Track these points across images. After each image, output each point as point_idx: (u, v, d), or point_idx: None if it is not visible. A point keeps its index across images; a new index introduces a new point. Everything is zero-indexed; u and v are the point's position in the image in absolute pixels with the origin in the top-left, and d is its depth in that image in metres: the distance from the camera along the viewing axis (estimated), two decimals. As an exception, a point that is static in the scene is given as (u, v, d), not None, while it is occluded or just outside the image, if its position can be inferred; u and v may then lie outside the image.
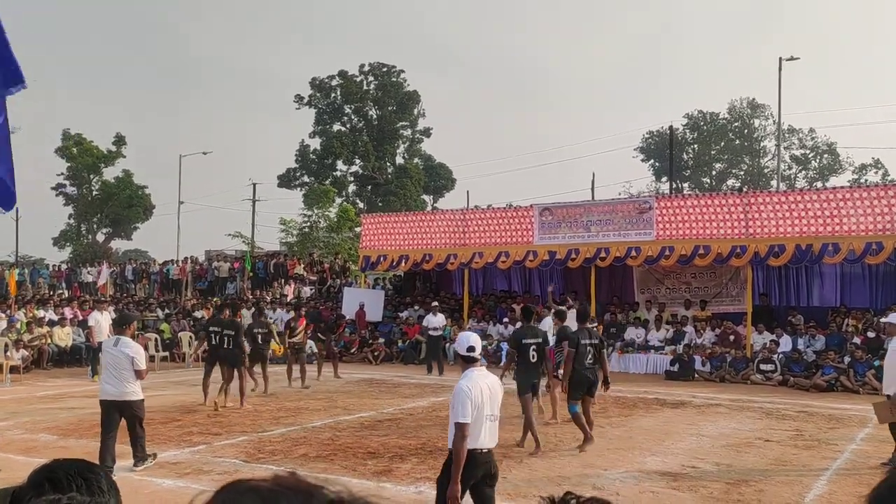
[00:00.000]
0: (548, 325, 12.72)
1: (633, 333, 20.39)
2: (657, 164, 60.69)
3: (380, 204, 53.15)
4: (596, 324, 11.67)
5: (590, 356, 9.76)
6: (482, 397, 5.07)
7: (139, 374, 8.20)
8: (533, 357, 9.98)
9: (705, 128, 61.41)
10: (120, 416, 8.22)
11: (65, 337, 20.48)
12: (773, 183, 50.33)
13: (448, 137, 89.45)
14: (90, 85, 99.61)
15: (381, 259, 24.46)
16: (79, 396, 14.67)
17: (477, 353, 5.30)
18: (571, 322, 11.00)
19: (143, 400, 8.39)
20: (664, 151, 54.21)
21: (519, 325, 10.78)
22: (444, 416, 12.28)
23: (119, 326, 8.49)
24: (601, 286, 21.87)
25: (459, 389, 5.11)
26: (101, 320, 17.34)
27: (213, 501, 0.66)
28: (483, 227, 22.65)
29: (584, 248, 20.75)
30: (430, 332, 19.04)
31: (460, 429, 5.02)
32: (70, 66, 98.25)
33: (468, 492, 5.14)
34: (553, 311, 12.16)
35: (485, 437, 5.13)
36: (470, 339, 5.34)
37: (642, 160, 62.23)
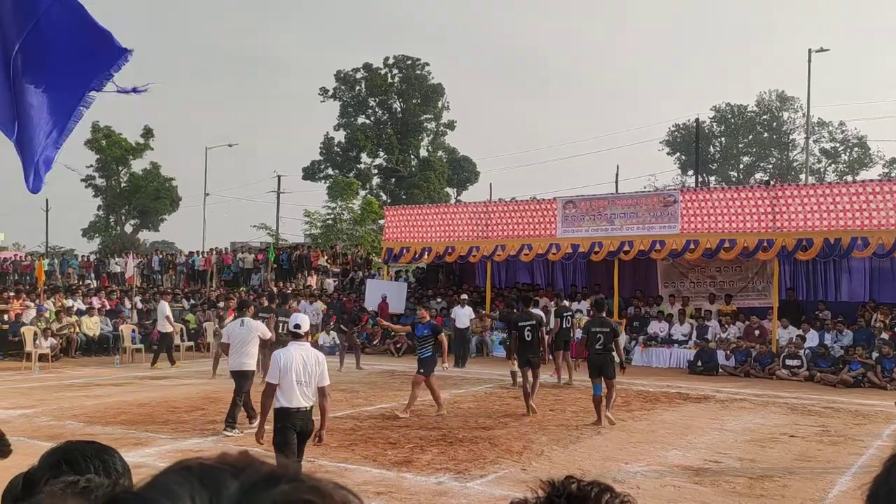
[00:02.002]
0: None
1: (656, 327, 20.26)
2: (683, 157, 60.09)
3: (403, 196, 53.21)
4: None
5: (599, 342, 10.76)
6: (291, 365, 6.47)
7: (266, 342, 10.61)
8: (528, 336, 11.80)
9: (733, 121, 60.66)
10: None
11: (93, 326, 20.80)
12: (802, 177, 49.65)
13: (472, 131, 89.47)
14: (116, 75, 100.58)
15: (405, 251, 24.50)
16: (105, 385, 14.91)
17: (301, 331, 6.67)
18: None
19: (253, 372, 10.39)
20: (690, 145, 53.66)
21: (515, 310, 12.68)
22: (465, 408, 12.31)
23: (241, 310, 10.86)
24: (624, 280, 21.72)
25: (273, 356, 6.71)
26: (163, 309, 18.07)
27: (149, 484, 0.64)
28: (506, 220, 22.59)
29: (607, 241, 20.62)
30: (458, 325, 19.05)
31: (266, 386, 6.62)
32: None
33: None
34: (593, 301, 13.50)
35: (296, 398, 6.49)
36: (297, 318, 6.81)
37: (668, 153, 61.68)
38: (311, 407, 6.57)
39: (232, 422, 9.99)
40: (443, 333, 11.70)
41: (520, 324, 12.03)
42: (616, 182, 46.63)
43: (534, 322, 11.98)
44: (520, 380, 14.22)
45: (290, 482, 0.65)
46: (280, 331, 14.33)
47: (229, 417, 10.03)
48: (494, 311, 22.15)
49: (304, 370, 6.52)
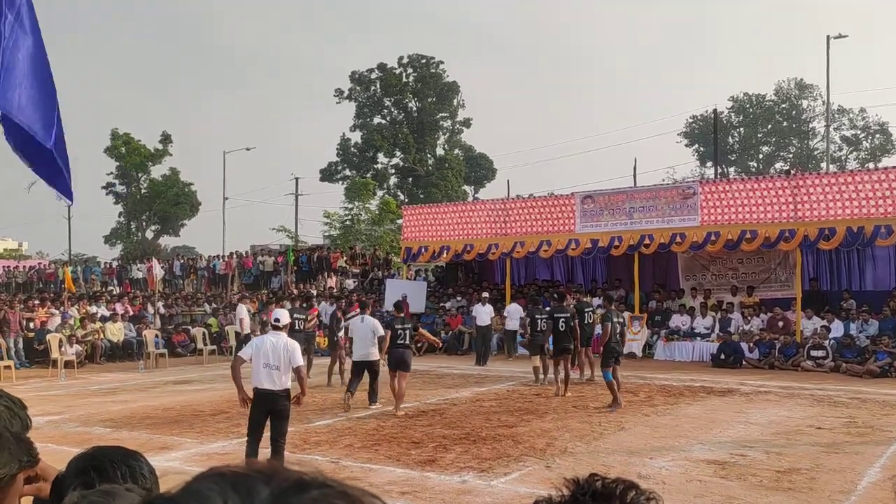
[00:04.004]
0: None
1: (678, 321, 20.15)
2: (701, 148, 59.62)
3: (421, 196, 53.26)
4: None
5: (618, 332, 12.03)
6: (262, 349, 7.44)
7: (380, 341, 11.96)
8: (562, 327, 13.58)
9: (751, 110, 60.10)
10: (365, 371, 12.02)
11: (117, 332, 21.03)
12: (823, 165, 49.10)
13: (488, 127, 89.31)
14: (134, 82, 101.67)
15: (423, 250, 24.53)
16: (131, 390, 15.07)
17: (280, 324, 7.65)
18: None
19: (379, 360, 12.04)
20: (708, 136, 53.30)
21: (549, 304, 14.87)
22: (487, 406, 12.32)
23: (363, 308, 12.83)
24: (645, 274, 21.62)
25: (252, 340, 8.13)
26: (244, 313, 18.70)
27: (183, 490, 0.66)
28: (524, 217, 22.56)
29: (627, 235, 20.54)
30: (479, 323, 19.06)
31: (235, 358, 7.95)
32: (113, 63, 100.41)
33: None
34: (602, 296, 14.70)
35: (262, 379, 7.40)
36: (278, 313, 7.87)
37: (686, 145, 61.22)
38: (281, 391, 7.39)
39: (374, 397, 12.18)
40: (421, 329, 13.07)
41: (555, 315, 13.74)
42: (634, 175, 46.38)
43: (568, 315, 13.66)
44: (542, 376, 14.54)
45: (320, 488, 0.66)
46: (295, 328, 14.81)
47: (371, 394, 12.17)
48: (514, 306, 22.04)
49: (272, 354, 7.39)
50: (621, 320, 12.30)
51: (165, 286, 32.41)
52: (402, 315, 12.32)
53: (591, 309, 15.11)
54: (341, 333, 15.06)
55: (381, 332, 12.08)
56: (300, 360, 7.50)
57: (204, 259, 34.73)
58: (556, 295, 15.41)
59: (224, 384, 15.59)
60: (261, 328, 16.21)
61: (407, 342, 11.89)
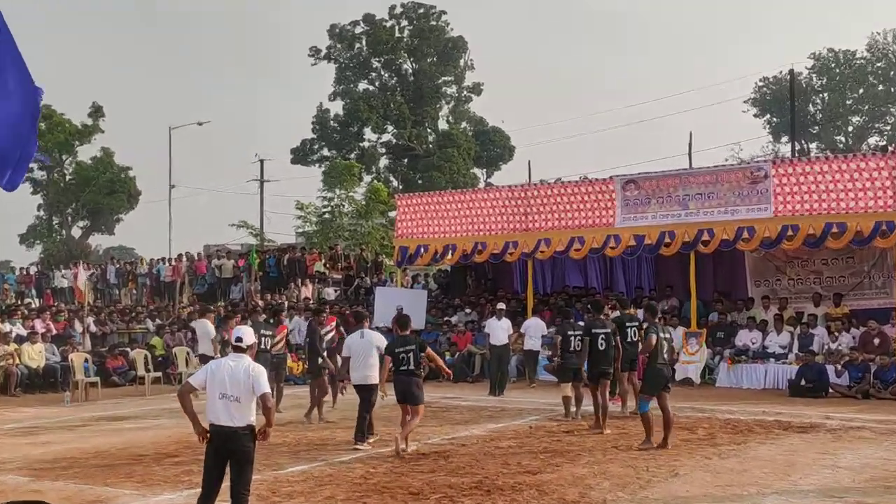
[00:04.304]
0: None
1: (746, 338, 20.15)
2: (774, 119, 59.62)
3: (419, 181, 53.33)
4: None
5: (665, 350, 11.96)
6: (218, 375, 7.43)
7: (384, 357, 12.24)
8: (601, 345, 13.73)
9: (838, 71, 60.00)
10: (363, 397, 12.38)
11: (36, 356, 21.05)
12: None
13: (504, 95, 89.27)
14: (55, 37, 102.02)
15: (422, 250, 24.55)
16: (54, 428, 15.10)
17: (243, 344, 7.65)
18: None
19: (377, 385, 12.34)
20: (784, 103, 53.14)
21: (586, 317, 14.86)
22: (505, 447, 12.34)
23: (360, 321, 13.16)
24: (704, 279, 21.62)
25: (209, 362, 8.09)
26: (206, 329, 18.08)
27: None
28: (550, 207, 22.58)
29: (680, 229, 20.53)
30: (493, 342, 19.11)
31: (183, 384, 7.90)
32: (27, 12, 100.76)
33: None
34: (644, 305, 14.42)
35: (219, 414, 7.38)
36: (240, 331, 7.87)
37: (755, 115, 61.23)
38: (243, 428, 7.38)
39: (361, 435, 12.32)
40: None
41: (593, 331, 13.85)
42: (689, 154, 46.42)
43: (608, 330, 13.94)
44: (574, 408, 14.55)
45: None
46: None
47: (358, 431, 12.33)
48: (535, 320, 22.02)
49: (230, 382, 7.40)
50: (668, 336, 12.34)
51: (97, 297, 32.48)
52: (407, 333, 12.48)
53: (635, 324, 15.02)
54: (335, 354, 15.13)
55: (384, 347, 12.41)
56: (266, 387, 7.49)
57: (145, 263, 34.78)
58: (590, 305, 15.42)
59: (173, 420, 15.58)
60: (222, 349, 16.26)
61: (412, 367, 12.03)
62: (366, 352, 12.44)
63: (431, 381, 21.07)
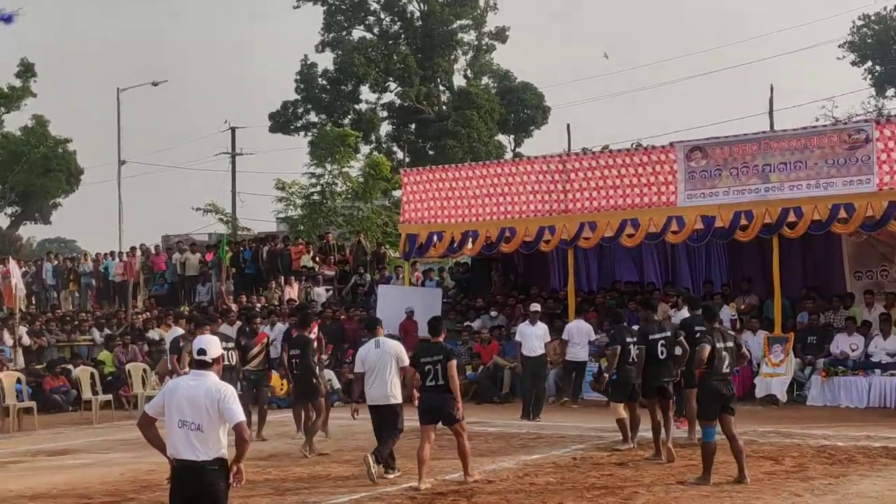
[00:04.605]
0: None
1: (844, 344, 20.13)
2: (877, 68, 59.20)
3: (430, 152, 53.24)
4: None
5: (726, 363, 12.07)
6: (175, 398, 7.39)
7: (405, 372, 12.88)
8: (662, 354, 13.99)
9: (959, 4, 59.51)
10: (384, 421, 12.90)
11: (-44, 376, 21.23)
12: None
13: (535, 42, 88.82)
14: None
15: (435, 239, 24.61)
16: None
17: (207, 357, 7.54)
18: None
19: (402, 404, 13.00)
20: (889, 47, 52.91)
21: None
22: (542, 483, 12.41)
23: (372, 329, 13.54)
24: (790, 270, 21.60)
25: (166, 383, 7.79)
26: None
27: None
28: (595, 183, 22.58)
29: (759, 208, 20.49)
30: (526, 352, 19.14)
31: (141, 416, 7.77)
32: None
33: None
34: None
35: (178, 445, 7.33)
36: (202, 341, 7.71)
37: (852, 63, 60.80)
38: (210, 462, 7.32)
39: (392, 461, 13.01)
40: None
41: (651, 337, 14.10)
42: (770, 114, 46.00)
43: (669, 334, 14.20)
44: (631, 433, 14.57)
45: None
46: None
47: (387, 458, 12.92)
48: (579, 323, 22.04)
49: (189, 406, 7.35)
50: (730, 344, 12.30)
51: (31, 302, 32.65)
52: (439, 340, 12.79)
53: (702, 328, 15.08)
54: (330, 374, 15.32)
55: (406, 359, 12.94)
56: (239, 414, 7.39)
57: (90, 259, 34.93)
58: (641, 303, 15.44)
59: (126, 453, 15.74)
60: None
61: (441, 381, 12.31)
62: (383, 365, 12.82)
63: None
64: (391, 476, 12.84)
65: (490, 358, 22.52)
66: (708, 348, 11.92)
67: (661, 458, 13.57)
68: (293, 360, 15.87)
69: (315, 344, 16.52)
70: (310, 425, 15.56)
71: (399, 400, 12.97)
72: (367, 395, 13.08)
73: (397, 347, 13.17)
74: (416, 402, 12.75)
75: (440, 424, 12.47)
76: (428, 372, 12.27)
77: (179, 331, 18.47)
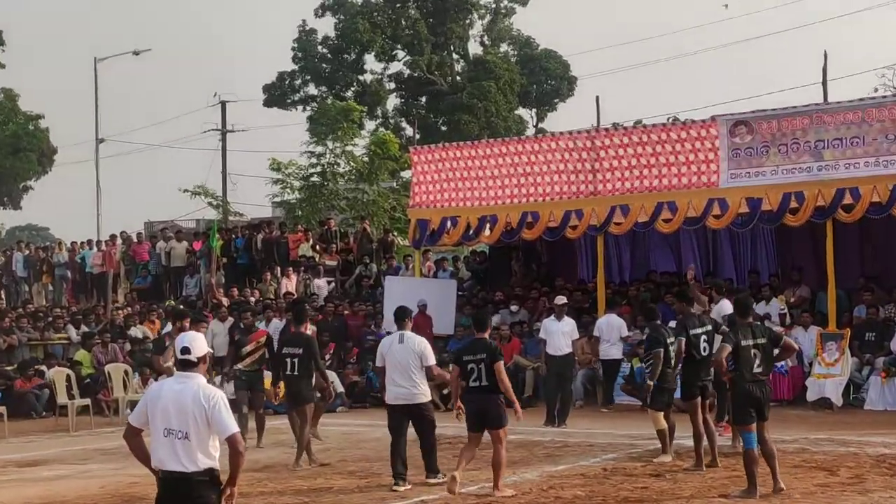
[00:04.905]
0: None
1: (909, 341, 20.08)
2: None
3: (443, 128, 53.22)
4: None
5: (756, 363, 12.01)
6: (160, 403, 7.40)
7: (430, 372, 13.33)
8: (704, 350, 14.06)
9: None
10: (408, 421, 13.31)
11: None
12: None
13: (559, 4, 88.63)
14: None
15: (449, 225, 24.59)
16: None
17: (192, 356, 7.53)
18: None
19: (431, 401, 13.57)
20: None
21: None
22: (568, 497, 12.39)
23: (401, 320, 13.88)
24: (846, 258, 21.53)
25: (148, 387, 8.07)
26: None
27: None
28: (628, 162, 22.54)
29: (811, 189, 20.43)
30: (551, 351, 19.11)
31: (126, 428, 7.76)
32: None
33: None
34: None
35: (163, 455, 7.33)
36: (185, 339, 7.72)
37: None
38: (199, 474, 7.31)
39: (435, 468, 13.38)
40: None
41: (691, 332, 14.09)
42: (823, 83, 46.02)
43: (710, 327, 14.24)
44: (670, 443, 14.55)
45: None
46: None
47: (432, 464, 13.37)
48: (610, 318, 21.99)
49: (176, 414, 7.34)
50: (763, 340, 12.20)
51: (0, 297, 32.73)
52: (483, 336, 13.01)
53: (756, 323, 15.04)
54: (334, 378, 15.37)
55: (432, 358, 13.45)
56: (232, 426, 7.39)
57: (65, 249, 34.99)
58: (677, 295, 15.25)
59: (105, 464, 15.79)
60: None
61: (485, 381, 12.48)
62: (407, 361, 13.25)
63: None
64: (433, 480, 13.24)
65: (510, 357, 22.39)
66: (728, 349, 11.94)
67: (701, 468, 13.53)
68: (287, 361, 15.75)
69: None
70: (298, 437, 15.47)
71: (427, 398, 13.43)
72: (388, 392, 13.53)
73: (422, 345, 13.47)
74: (457, 407, 12.93)
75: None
76: (471, 371, 12.45)
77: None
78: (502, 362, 12.63)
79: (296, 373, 15.48)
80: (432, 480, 13.25)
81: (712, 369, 13.96)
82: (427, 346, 13.60)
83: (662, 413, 14.69)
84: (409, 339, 13.43)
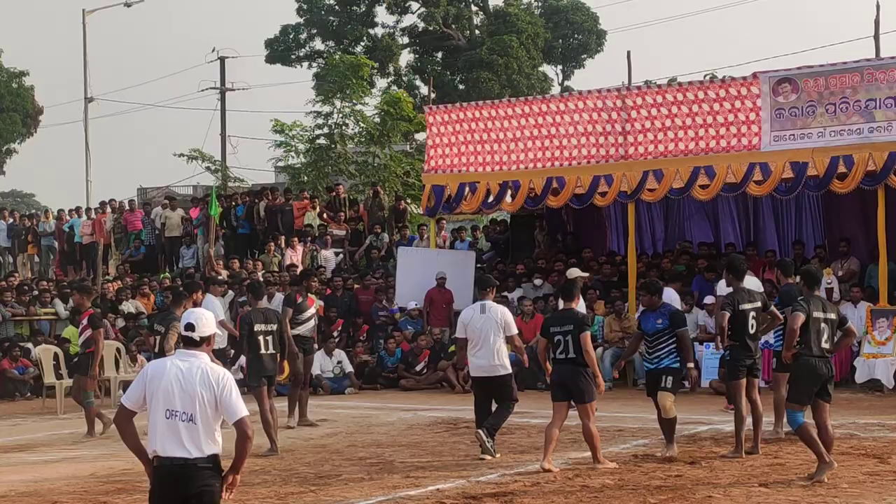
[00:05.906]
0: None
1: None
2: None
3: (461, 86, 53.15)
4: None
5: (825, 337, 12.14)
6: (159, 385, 7.35)
7: (512, 341, 14.26)
8: (752, 326, 13.87)
9: None
10: (490, 393, 14.23)
11: None
12: None
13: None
14: None
15: (467, 191, 24.59)
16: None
17: (195, 335, 7.54)
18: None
19: (510, 375, 14.34)
20: None
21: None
22: (596, 485, 12.40)
23: (483, 289, 14.91)
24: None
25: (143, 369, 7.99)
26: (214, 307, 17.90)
27: None
28: (662, 122, 22.50)
29: (861, 153, 20.38)
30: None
31: (118, 409, 7.70)
32: None
33: None
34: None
35: (164, 440, 7.30)
36: (191, 315, 7.69)
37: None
38: (203, 460, 7.31)
39: (492, 436, 14.04)
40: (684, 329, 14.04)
41: (741, 307, 13.87)
42: (875, 38, 45.77)
43: (759, 305, 14.16)
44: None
45: None
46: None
47: (492, 430, 14.01)
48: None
49: (179, 395, 7.34)
50: (832, 316, 12.40)
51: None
52: (571, 307, 13.55)
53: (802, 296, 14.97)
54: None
55: (514, 328, 14.25)
56: (242, 408, 7.40)
57: (52, 217, 35.08)
58: (728, 267, 14.90)
59: (96, 450, 15.88)
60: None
61: (571, 353, 13.03)
62: (488, 333, 13.95)
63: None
64: (488, 458, 13.81)
65: (534, 335, 22.39)
66: (802, 317, 11.93)
67: (741, 454, 13.50)
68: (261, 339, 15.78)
69: (313, 321, 17.14)
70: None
71: (508, 370, 14.14)
72: (470, 365, 14.44)
73: (505, 315, 14.21)
74: (547, 376, 13.77)
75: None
76: (558, 343, 12.94)
77: (213, 299, 18.40)
78: (588, 333, 13.04)
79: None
80: (488, 444, 13.82)
81: (757, 349, 14.00)
82: (510, 315, 14.32)
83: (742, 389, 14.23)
84: (492, 309, 14.10)
